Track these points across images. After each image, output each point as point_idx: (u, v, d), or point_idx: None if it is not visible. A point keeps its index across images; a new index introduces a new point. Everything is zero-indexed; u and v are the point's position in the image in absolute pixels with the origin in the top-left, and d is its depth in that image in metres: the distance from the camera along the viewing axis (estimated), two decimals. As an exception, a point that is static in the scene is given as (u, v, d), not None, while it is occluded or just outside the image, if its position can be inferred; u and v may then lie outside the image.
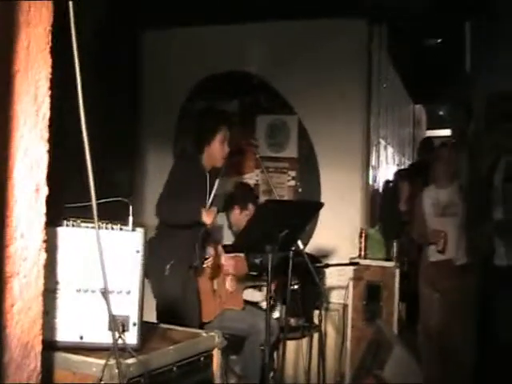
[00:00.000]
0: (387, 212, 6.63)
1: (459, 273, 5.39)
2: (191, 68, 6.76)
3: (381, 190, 7.22)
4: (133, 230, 2.35)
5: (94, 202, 2.01)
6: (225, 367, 4.50)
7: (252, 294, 5.17)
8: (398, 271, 5.84)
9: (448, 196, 5.52)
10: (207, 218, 4.17)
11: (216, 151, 4.53)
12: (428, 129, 12.27)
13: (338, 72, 6.25)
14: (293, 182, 6.42)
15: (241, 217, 5.18)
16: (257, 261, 5.20)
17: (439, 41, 8.54)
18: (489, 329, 5.27)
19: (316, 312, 5.64)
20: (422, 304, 5.69)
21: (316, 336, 5.57)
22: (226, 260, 4.81)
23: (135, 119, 7.06)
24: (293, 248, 4.20)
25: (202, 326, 4.40)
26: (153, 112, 6.99)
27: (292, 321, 5.44)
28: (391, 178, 7.48)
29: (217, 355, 2.73)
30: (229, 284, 4.87)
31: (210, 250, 4.76)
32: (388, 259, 6.00)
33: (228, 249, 4.51)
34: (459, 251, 5.40)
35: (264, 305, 5.35)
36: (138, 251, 2.34)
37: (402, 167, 9.26)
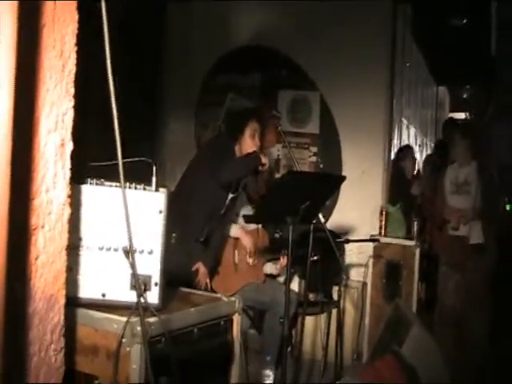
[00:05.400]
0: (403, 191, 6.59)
1: (474, 251, 5.40)
2: (214, 41, 6.76)
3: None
4: (156, 190, 2.35)
5: (120, 161, 2.01)
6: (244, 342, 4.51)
7: (270, 267, 5.17)
8: (418, 250, 5.82)
9: (465, 174, 5.55)
10: (264, 159, 4.37)
11: (247, 146, 4.56)
12: (451, 111, 12.18)
13: (361, 49, 6.20)
14: (314, 158, 6.41)
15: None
16: (277, 235, 5.20)
17: (464, 21, 8.45)
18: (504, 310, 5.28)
19: (335, 288, 5.66)
20: (439, 281, 5.70)
21: (334, 312, 5.58)
22: (244, 238, 4.85)
23: (157, 91, 7.06)
24: (314, 221, 4.19)
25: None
26: (175, 84, 6.99)
27: (311, 296, 5.46)
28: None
29: (237, 320, 2.74)
30: (249, 258, 4.90)
31: (234, 229, 4.81)
32: (408, 238, 5.99)
33: (248, 219, 4.50)
34: (473, 230, 5.41)
35: (280, 278, 5.37)
36: (160, 211, 2.34)
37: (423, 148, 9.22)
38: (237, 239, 4.87)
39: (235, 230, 4.85)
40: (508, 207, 12.02)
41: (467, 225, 5.42)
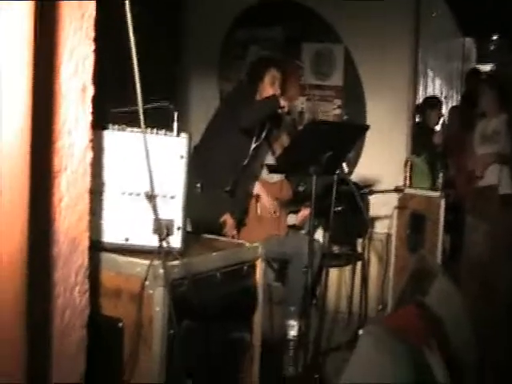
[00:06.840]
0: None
1: (503, 202, 5.36)
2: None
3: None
4: (177, 135, 2.37)
5: (140, 106, 2.02)
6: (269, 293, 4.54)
7: (292, 219, 5.17)
8: (443, 201, 5.77)
9: (494, 126, 5.49)
10: (284, 102, 4.37)
11: (266, 92, 4.55)
12: (478, 63, 12.00)
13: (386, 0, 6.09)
14: (338, 111, 6.34)
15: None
16: (301, 188, 5.19)
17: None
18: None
19: (359, 240, 5.67)
20: (466, 233, 5.67)
21: (359, 264, 5.61)
22: (265, 197, 4.84)
23: (179, 46, 7.01)
24: (337, 172, 4.17)
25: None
26: (197, 40, 6.92)
27: (335, 248, 5.46)
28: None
29: (260, 266, 2.77)
30: (273, 209, 4.88)
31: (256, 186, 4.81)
32: (434, 189, 5.95)
33: (271, 169, 4.50)
34: (502, 180, 5.36)
35: (304, 230, 5.37)
36: (182, 156, 2.36)
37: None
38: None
39: (257, 187, 4.83)
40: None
41: (496, 174, 5.36)
